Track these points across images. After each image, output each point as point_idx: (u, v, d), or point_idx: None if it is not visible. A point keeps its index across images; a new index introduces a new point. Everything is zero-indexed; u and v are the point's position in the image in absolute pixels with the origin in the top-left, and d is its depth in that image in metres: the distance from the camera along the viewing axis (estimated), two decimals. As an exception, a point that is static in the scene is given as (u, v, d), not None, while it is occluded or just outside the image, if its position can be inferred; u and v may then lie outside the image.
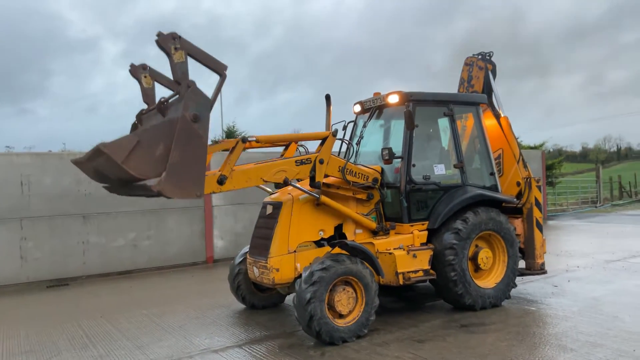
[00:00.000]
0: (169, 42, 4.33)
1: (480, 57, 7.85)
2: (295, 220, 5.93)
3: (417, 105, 6.52)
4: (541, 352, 4.93)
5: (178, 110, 4.32)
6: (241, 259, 6.84)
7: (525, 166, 7.37)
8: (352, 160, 6.69)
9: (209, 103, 4.41)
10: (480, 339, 5.37)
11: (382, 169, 6.43)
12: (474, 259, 6.46)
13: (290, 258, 5.85)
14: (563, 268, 8.94)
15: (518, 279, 7.00)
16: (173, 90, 4.90)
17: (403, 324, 5.98)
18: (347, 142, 6.97)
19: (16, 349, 5.73)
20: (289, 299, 6.95)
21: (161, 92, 5.27)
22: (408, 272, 6.04)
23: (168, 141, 4.24)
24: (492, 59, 7.85)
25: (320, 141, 5.93)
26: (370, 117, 7.11)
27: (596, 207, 23.58)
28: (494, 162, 7.12)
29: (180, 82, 4.37)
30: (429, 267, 6.22)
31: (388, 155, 6.04)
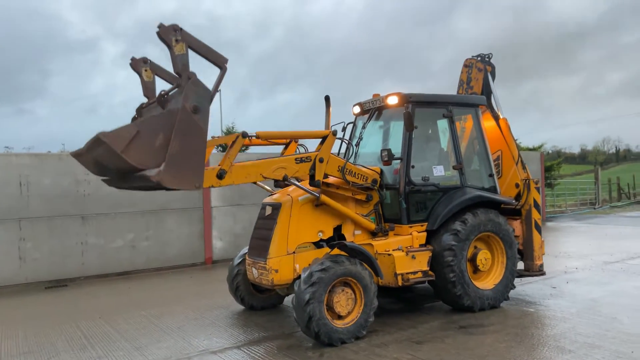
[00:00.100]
0: (170, 34, 4.33)
1: (479, 58, 7.87)
2: (294, 221, 5.93)
3: (417, 107, 6.53)
4: (539, 353, 4.93)
5: (178, 102, 4.32)
6: (240, 259, 6.84)
7: (524, 168, 7.38)
8: (351, 161, 6.69)
9: (209, 95, 4.41)
10: (478, 340, 5.37)
11: (382, 170, 6.44)
12: (472, 260, 6.47)
13: (289, 259, 5.85)
14: (562, 269, 8.95)
15: (517, 280, 7.01)
16: (173, 85, 4.89)
17: (402, 325, 5.98)
18: (346, 141, 6.97)
19: (14, 350, 5.72)
20: (288, 300, 6.95)
21: (161, 87, 5.28)
22: (407, 273, 6.05)
23: (168, 132, 4.24)
24: (492, 60, 7.87)
25: (320, 140, 5.93)
26: (369, 119, 7.11)
27: (595, 208, 23.61)
28: (492, 164, 7.13)
29: (181, 74, 4.37)
30: (428, 269, 6.23)
31: (387, 157, 6.04)
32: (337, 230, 6.22)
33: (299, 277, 5.52)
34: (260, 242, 6.12)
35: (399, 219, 6.38)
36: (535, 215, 7.06)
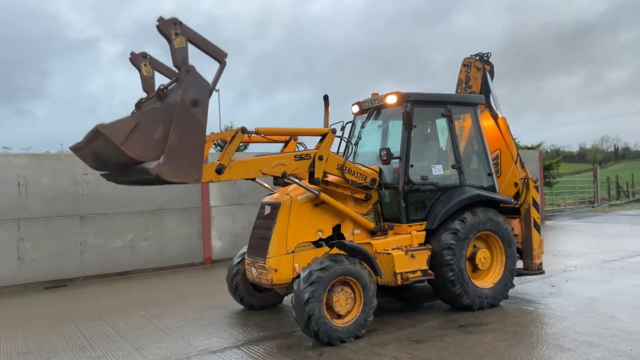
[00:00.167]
0: (169, 27, 4.32)
1: (477, 58, 7.87)
2: (293, 220, 5.93)
3: (415, 106, 6.53)
4: (539, 351, 4.94)
5: (177, 95, 4.31)
6: (239, 259, 6.84)
7: (522, 167, 7.39)
8: (350, 160, 6.68)
9: (208, 88, 4.40)
10: (478, 339, 5.38)
11: (380, 170, 6.44)
12: (471, 259, 6.47)
13: (288, 258, 5.85)
14: (561, 268, 8.96)
15: (516, 279, 7.01)
16: (172, 79, 4.88)
17: (401, 324, 5.98)
18: (345, 139, 6.97)
19: (14, 351, 5.72)
20: (287, 299, 6.95)
21: (161, 82, 5.26)
22: (406, 272, 6.05)
23: (167, 124, 4.23)
24: (490, 59, 7.87)
25: (319, 138, 5.92)
26: (368, 118, 7.11)
27: (594, 207, 23.64)
28: (491, 163, 7.14)
29: (180, 67, 4.36)
30: (427, 268, 6.23)
31: (386, 156, 6.05)
32: (336, 229, 6.22)
33: (298, 276, 5.52)
34: (259, 242, 6.11)
35: (398, 218, 6.38)
36: (534, 214, 7.07)
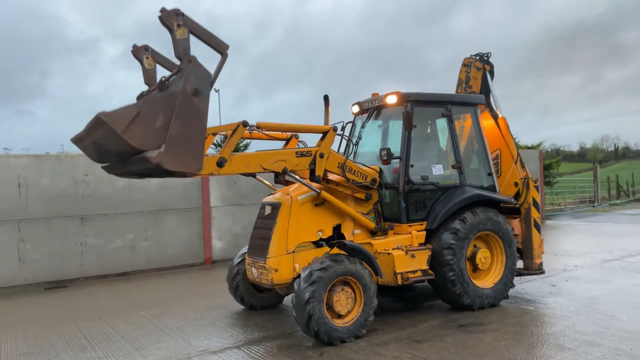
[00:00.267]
0: (171, 18, 4.32)
1: (477, 57, 7.87)
2: (293, 220, 5.93)
3: (415, 106, 6.53)
4: (539, 351, 4.94)
5: (179, 85, 4.30)
6: (240, 259, 6.84)
7: (523, 166, 7.39)
8: (350, 160, 6.68)
9: (209, 78, 4.37)
10: (478, 338, 5.38)
11: (381, 170, 6.44)
12: (472, 259, 6.47)
13: (288, 258, 5.85)
14: (561, 267, 8.96)
15: (516, 279, 7.01)
16: (174, 71, 4.87)
17: (401, 324, 5.99)
18: (346, 137, 6.98)
19: (14, 351, 5.72)
20: (288, 299, 6.95)
21: (162, 75, 5.24)
22: (406, 272, 6.05)
23: (168, 113, 4.20)
24: (490, 59, 7.87)
25: (320, 136, 5.91)
26: (368, 118, 7.11)
27: (594, 206, 23.64)
28: (491, 163, 7.14)
29: (182, 58, 4.36)
30: (428, 267, 6.23)
31: (386, 156, 6.05)
32: (337, 229, 6.22)
33: (298, 276, 5.52)
34: (259, 242, 6.12)
35: (398, 218, 6.38)
36: (534, 213, 7.07)
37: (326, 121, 6.92)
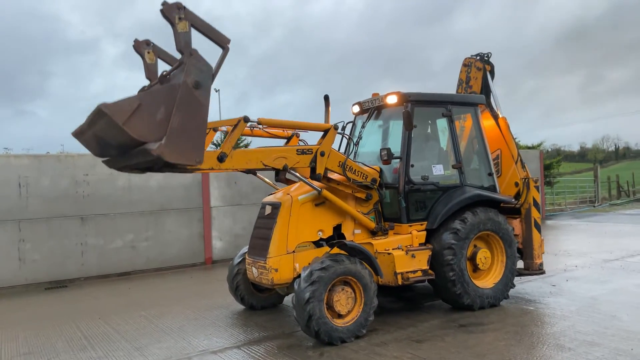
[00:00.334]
0: (173, 11, 4.32)
1: (478, 57, 7.87)
2: (294, 220, 5.93)
3: (416, 106, 6.53)
4: (539, 351, 4.94)
5: (180, 77, 4.31)
6: (240, 259, 6.84)
7: (523, 166, 7.39)
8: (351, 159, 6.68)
9: (211, 71, 4.37)
10: (478, 338, 5.38)
11: (381, 170, 6.44)
12: (472, 259, 6.47)
13: (289, 258, 5.85)
14: (561, 268, 8.96)
15: (516, 279, 7.01)
16: (175, 65, 4.87)
17: (402, 324, 5.99)
18: (347, 136, 6.97)
19: (14, 351, 5.73)
20: (288, 299, 6.95)
21: (163, 70, 5.24)
22: (407, 272, 6.05)
23: (169, 106, 4.20)
24: (491, 59, 7.87)
25: (321, 134, 5.91)
26: (368, 118, 7.11)
27: (594, 206, 23.63)
28: (492, 163, 7.14)
29: (183, 51, 4.36)
30: (428, 267, 6.23)
31: (387, 156, 6.04)
32: (337, 229, 6.22)
33: (298, 276, 5.52)
34: (260, 242, 6.12)
35: (398, 218, 6.38)
36: (534, 213, 7.07)
37: (326, 121, 6.90)
